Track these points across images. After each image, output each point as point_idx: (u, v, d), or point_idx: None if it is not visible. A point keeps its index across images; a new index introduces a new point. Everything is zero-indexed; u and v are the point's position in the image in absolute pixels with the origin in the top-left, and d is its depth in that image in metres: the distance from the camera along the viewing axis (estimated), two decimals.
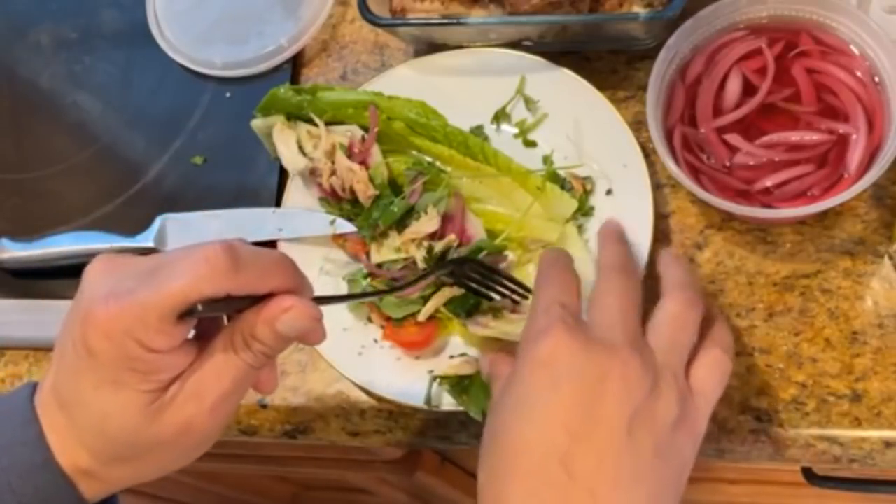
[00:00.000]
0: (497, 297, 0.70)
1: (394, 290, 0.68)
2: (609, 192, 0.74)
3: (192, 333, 0.55)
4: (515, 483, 0.51)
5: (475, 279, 0.68)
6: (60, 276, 0.83)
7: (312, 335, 0.57)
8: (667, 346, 0.54)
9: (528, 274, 0.73)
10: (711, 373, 0.55)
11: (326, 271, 0.77)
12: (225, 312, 0.54)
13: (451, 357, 0.72)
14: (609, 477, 0.50)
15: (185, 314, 0.50)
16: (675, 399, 0.52)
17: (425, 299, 0.72)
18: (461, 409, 0.71)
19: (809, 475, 0.80)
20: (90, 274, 0.53)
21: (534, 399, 0.52)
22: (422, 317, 0.72)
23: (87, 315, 0.51)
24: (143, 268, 0.52)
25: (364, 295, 0.72)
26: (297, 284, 0.54)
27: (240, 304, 0.53)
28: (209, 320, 0.56)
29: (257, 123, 0.80)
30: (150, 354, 0.51)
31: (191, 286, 0.50)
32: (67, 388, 0.54)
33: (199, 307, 0.50)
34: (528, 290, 0.69)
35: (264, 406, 0.78)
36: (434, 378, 0.71)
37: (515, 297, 0.69)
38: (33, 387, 0.56)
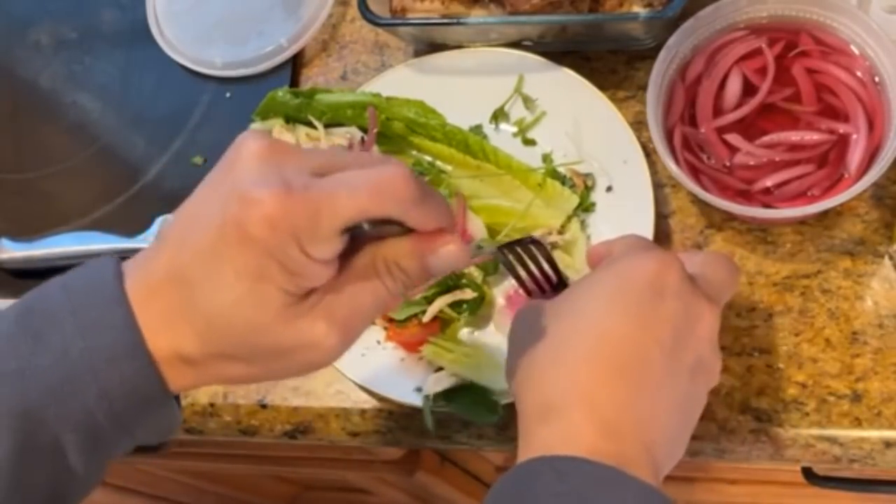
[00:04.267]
0: (536, 290, 0.68)
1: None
2: (609, 188, 0.75)
3: None
4: (592, 364, 0.53)
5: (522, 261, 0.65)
6: None
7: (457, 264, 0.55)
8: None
9: None
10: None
11: None
12: (380, 234, 0.51)
13: (436, 371, 0.72)
14: (669, 398, 0.54)
15: (352, 229, 0.47)
16: (719, 366, 0.57)
17: (428, 300, 0.72)
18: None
19: (809, 475, 0.80)
20: (248, 150, 0.48)
21: (636, 298, 0.54)
22: (426, 318, 0.72)
23: (252, 199, 0.46)
24: (312, 164, 0.49)
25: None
26: (453, 227, 0.52)
27: (392, 230, 0.50)
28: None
29: (256, 127, 0.80)
30: (304, 258, 0.47)
31: (373, 203, 0.47)
32: (198, 267, 0.48)
33: (367, 226, 0.47)
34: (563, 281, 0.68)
35: (264, 406, 0.78)
36: (426, 397, 0.71)
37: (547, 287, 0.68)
38: (115, 263, 0.51)
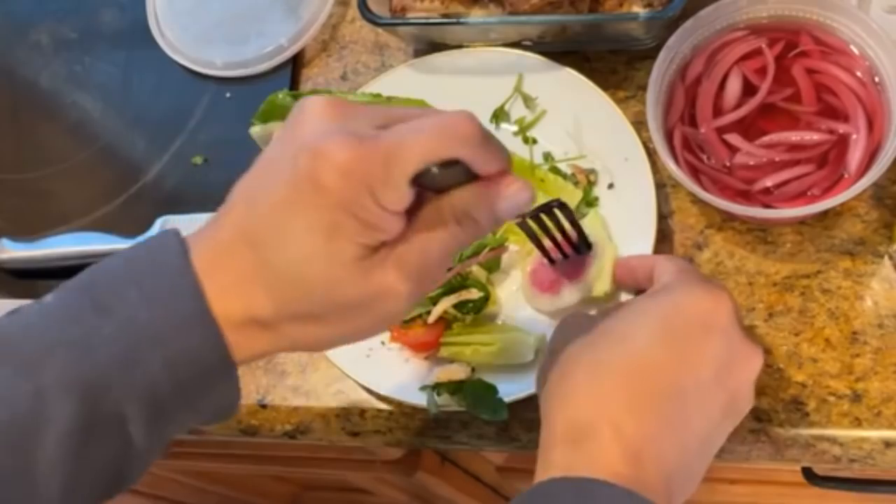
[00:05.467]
0: (560, 256, 0.69)
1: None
2: (611, 185, 0.75)
3: None
4: (628, 391, 0.53)
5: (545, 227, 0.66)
6: (60, 276, 0.82)
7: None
8: None
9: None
10: None
11: None
12: (445, 185, 0.50)
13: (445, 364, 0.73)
14: (696, 434, 0.54)
15: (420, 176, 0.48)
16: (749, 407, 0.57)
17: (433, 301, 0.72)
18: (461, 409, 0.71)
19: (809, 475, 0.80)
20: (312, 109, 0.49)
21: (683, 333, 0.55)
22: (431, 319, 0.72)
23: (323, 151, 0.47)
24: (376, 117, 0.49)
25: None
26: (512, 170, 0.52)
27: (458, 179, 0.50)
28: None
29: (256, 131, 0.80)
30: (377, 207, 0.47)
31: (441, 144, 0.47)
32: (270, 225, 0.49)
33: (435, 169, 0.48)
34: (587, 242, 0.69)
35: (264, 406, 0.78)
36: (433, 387, 0.71)
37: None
38: (177, 234, 0.51)
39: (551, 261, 0.70)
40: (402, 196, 0.48)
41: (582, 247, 0.69)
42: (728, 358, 0.55)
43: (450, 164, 0.48)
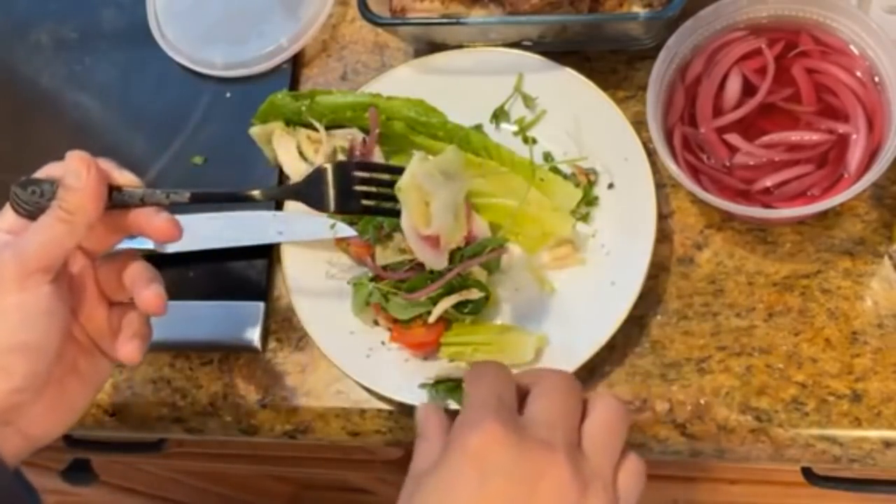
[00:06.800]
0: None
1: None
2: (611, 185, 0.75)
3: None
4: None
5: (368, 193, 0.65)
6: None
7: (146, 294, 0.63)
8: (599, 452, 0.53)
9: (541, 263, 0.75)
10: (633, 479, 0.53)
11: (332, 275, 0.77)
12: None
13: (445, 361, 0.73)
14: None
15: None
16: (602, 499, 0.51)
17: (434, 301, 0.72)
18: (461, 409, 0.71)
19: (809, 475, 0.80)
20: None
21: (459, 492, 0.50)
22: (431, 319, 0.72)
23: None
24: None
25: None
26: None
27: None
28: None
29: (255, 131, 0.80)
30: None
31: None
32: None
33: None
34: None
35: (264, 406, 0.78)
36: (432, 385, 0.71)
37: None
38: None
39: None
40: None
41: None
42: (518, 486, 0.49)
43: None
